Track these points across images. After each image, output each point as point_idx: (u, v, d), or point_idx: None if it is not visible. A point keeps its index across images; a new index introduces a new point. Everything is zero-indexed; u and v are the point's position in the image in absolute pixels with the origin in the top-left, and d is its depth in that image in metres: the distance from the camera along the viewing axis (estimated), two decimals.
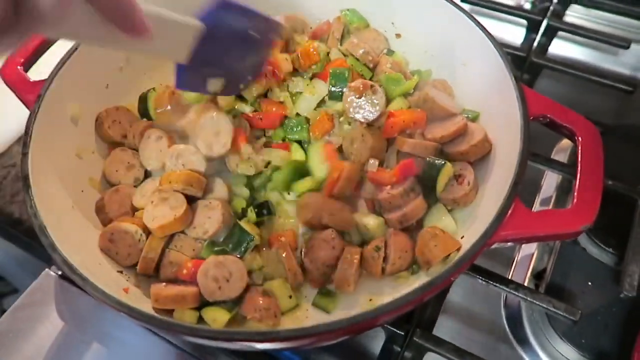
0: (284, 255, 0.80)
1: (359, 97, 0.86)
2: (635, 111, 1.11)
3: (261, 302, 0.76)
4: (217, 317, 0.76)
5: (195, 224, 0.83)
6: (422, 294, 0.64)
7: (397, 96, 0.91)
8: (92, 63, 0.89)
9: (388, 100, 0.90)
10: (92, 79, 0.90)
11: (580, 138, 0.72)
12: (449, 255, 0.75)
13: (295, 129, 0.91)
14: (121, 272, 0.79)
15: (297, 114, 0.92)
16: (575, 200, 0.67)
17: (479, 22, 0.85)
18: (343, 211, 0.82)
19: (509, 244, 0.73)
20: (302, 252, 0.82)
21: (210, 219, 0.82)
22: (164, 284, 0.78)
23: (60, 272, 0.92)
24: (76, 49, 0.87)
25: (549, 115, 0.75)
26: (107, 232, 0.80)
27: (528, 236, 0.68)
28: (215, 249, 0.82)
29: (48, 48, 0.91)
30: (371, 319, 0.63)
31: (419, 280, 0.78)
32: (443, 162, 0.81)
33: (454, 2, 0.90)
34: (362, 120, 0.86)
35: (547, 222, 0.67)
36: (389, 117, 0.87)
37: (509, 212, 0.66)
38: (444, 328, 0.89)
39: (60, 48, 0.88)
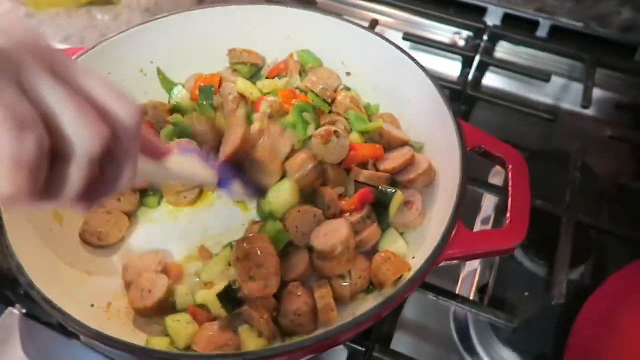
0: (261, 320, 0.78)
1: (326, 143, 0.93)
2: (557, 137, 1.24)
3: (220, 338, 0.77)
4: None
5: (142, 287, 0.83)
6: (381, 311, 0.70)
7: (357, 132, 1.00)
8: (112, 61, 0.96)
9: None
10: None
11: (510, 166, 0.82)
12: (401, 276, 0.81)
13: None
14: (92, 305, 0.81)
15: None
16: (508, 221, 0.77)
17: (418, 62, 0.95)
18: None
19: (455, 262, 0.81)
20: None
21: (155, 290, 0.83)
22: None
23: (24, 310, 0.93)
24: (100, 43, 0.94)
25: (483, 146, 0.85)
26: None
27: (470, 254, 0.76)
28: None
29: None
30: (334, 337, 0.69)
31: (376, 299, 0.84)
32: (394, 191, 0.89)
33: (395, 44, 0.99)
34: (332, 163, 0.94)
35: (485, 241, 0.76)
36: (351, 150, 0.95)
37: (453, 233, 0.75)
38: (399, 343, 0.95)
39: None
